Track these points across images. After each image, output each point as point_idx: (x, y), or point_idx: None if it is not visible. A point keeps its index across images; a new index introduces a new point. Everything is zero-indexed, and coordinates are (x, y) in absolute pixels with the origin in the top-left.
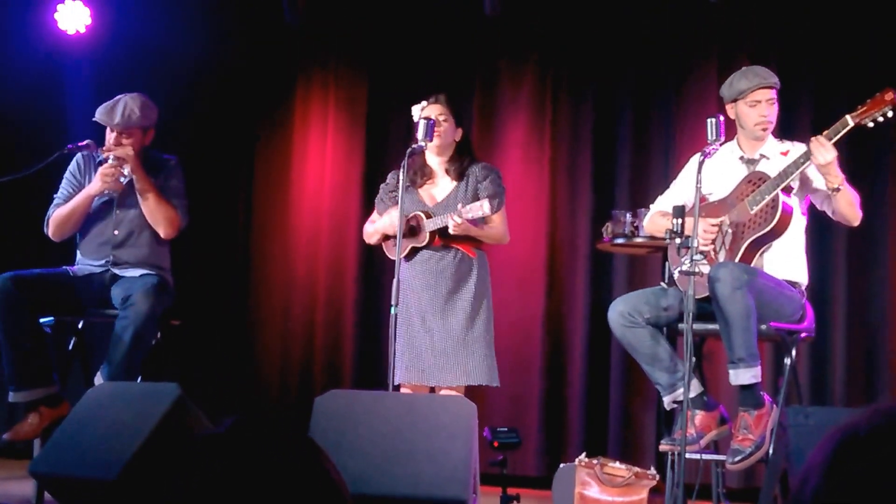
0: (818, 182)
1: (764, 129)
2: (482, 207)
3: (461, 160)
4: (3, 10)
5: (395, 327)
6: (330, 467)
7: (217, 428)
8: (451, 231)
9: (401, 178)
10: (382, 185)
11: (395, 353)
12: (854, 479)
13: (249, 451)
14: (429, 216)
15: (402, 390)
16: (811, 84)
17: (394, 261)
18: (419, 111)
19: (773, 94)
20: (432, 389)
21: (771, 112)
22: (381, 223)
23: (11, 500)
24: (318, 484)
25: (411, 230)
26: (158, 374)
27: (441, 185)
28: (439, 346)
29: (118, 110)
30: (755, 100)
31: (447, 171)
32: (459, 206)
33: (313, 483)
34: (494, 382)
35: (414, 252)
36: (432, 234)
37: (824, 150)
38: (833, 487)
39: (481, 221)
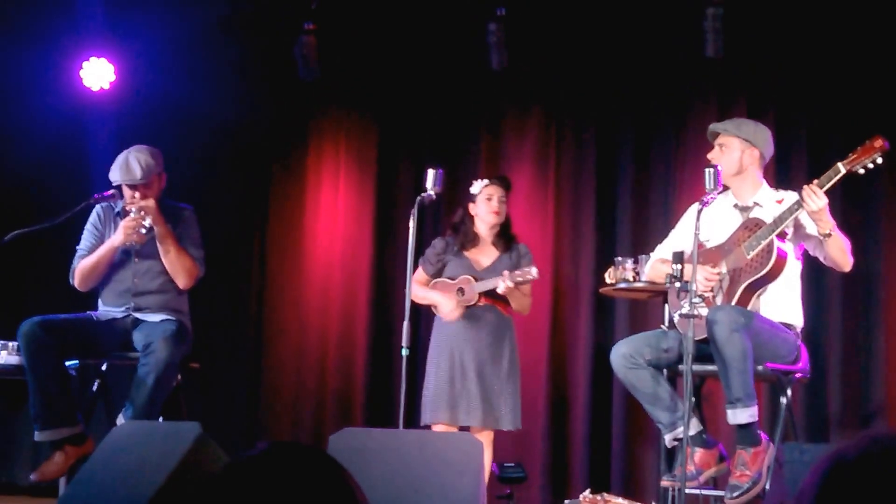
0: (811, 228)
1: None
2: (531, 272)
3: (507, 235)
4: (31, 67)
5: (407, 368)
6: (356, 488)
7: (250, 451)
8: (499, 291)
9: (411, 225)
10: (429, 249)
11: (423, 391)
12: (841, 501)
13: (281, 473)
14: (476, 279)
15: (437, 428)
16: (806, 132)
17: (414, 306)
18: (480, 187)
19: (717, 140)
20: (462, 428)
21: (715, 158)
22: (437, 300)
23: None
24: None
25: (460, 291)
26: (177, 413)
27: (487, 253)
28: (481, 393)
29: (134, 166)
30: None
31: (494, 243)
32: (506, 272)
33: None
34: (518, 425)
35: (465, 310)
36: (480, 294)
37: (815, 196)
38: None
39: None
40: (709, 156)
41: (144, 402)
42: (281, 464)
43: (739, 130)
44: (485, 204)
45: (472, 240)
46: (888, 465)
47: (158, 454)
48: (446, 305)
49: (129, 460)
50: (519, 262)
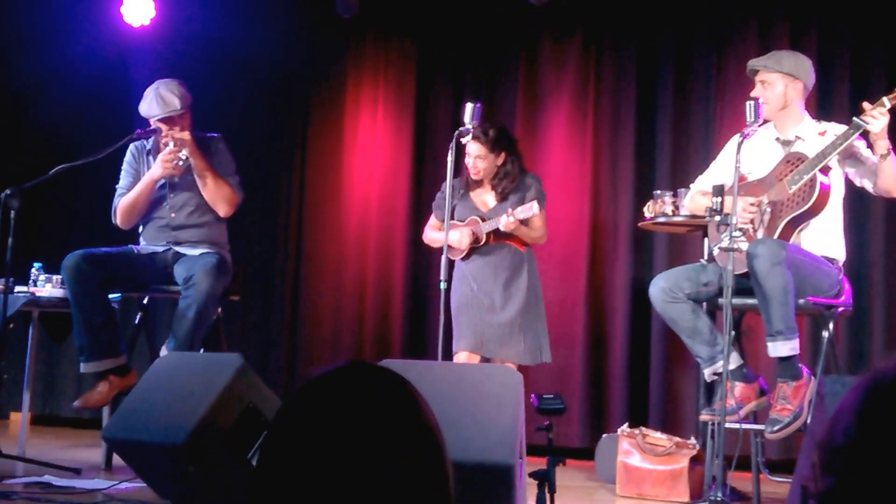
0: (864, 154)
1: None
2: (532, 208)
3: (503, 183)
4: (73, 3)
5: (445, 301)
6: (427, 410)
7: (326, 369)
8: (502, 228)
9: (450, 160)
10: (438, 194)
11: (452, 325)
12: (882, 420)
13: (356, 391)
14: (483, 220)
15: (458, 357)
16: (850, 58)
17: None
18: (467, 139)
19: (758, 76)
20: (485, 360)
21: (759, 94)
22: (449, 237)
23: (83, 466)
24: (418, 426)
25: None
26: (218, 345)
27: (491, 193)
28: (500, 328)
29: (170, 98)
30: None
31: (493, 187)
32: (510, 208)
33: (414, 424)
34: (543, 359)
35: (473, 250)
36: (488, 234)
37: (880, 115)
38: (862, 427)
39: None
40: (752, 94)
41: (186, 335)
42: (359, 380)
43: (780, 65)
44: (468, 158)
45: (476, 182)
46: None
47: (201, 385)
48: (457, 236)
49: (172, 391)
50: (524, 196)
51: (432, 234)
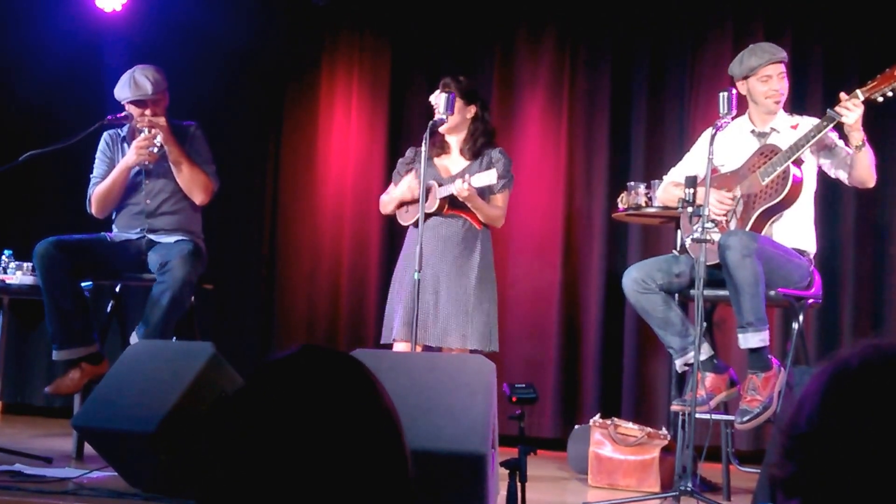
0: (839, 146)
1: (777, 102)
2: (489, 176)
3: (475, 139)
4: None
5: (418, 291)
6: (384, 394)
7: (278, 354)
8: (455, 193)
9: (423, 150)
10: (400, 160)
11: (397, 310)
12: (844, 408)
13: (309, 376)
14: (440, 185)
15: (397, 347)
16: (824, 56)
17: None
18: (435, 98)
19: (782, 67)
20: (428, 348)
21: (782, 85)
22: (399, 190)
23: (54, 455)
24: (374, 410)
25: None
26: (190, 334)
27: (455, 160)
28: (444, 309)
29: (143, 82)
30: (766, 75)
31: (462, 151)
32: (467, 175)
33: (370, 408)
34: (492, 347)
35: (425, 218)
36: (442, 200)
37: (854, 106)
38: (825, 415)
39: (488, 193)
40: (779, 87)
41: (159, 321)
42: (312, 365)
43: (784, 55)
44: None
45: (439, 146)
46: (890, 374)
47: (172, 373)
48: (407, 186)
49: (143, 379)
50: (490, 167)
51: (386, 197)
